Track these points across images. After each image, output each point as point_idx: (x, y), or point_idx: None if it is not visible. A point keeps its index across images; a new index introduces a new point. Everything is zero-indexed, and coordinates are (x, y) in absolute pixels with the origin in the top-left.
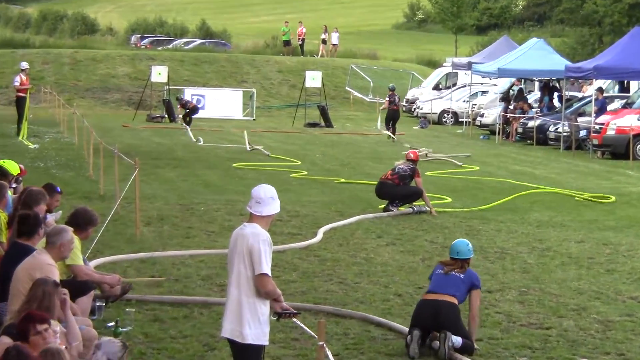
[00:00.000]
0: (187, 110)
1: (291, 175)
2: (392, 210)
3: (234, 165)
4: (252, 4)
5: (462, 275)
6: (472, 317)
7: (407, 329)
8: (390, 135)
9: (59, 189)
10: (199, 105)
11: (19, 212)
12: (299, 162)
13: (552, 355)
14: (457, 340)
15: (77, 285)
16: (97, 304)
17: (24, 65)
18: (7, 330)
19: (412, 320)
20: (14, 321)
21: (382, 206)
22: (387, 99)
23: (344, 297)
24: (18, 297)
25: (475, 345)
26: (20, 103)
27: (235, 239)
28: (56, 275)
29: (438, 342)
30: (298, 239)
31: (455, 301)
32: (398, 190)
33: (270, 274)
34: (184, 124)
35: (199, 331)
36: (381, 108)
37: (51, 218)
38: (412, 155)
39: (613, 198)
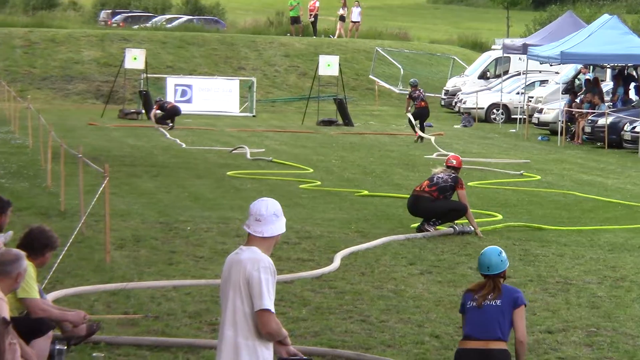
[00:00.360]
0: (164, 113)
1: (300, 186)
2: (428, 231)
3: (228, 173)
4: None
5: (499, 302)
6: (518, 342)
7: None
8: (421, 137)
9: (9, 202)
10: (184, 99)
11: None
12: (311, 170)
13: None
14: None
15: (32, 324)
16: (57, 347)
17: None
18: None
19: None
20: None
21: (416, 225)
22: (407, 96)
23: (367, 339)
24: None
25: None
26: None
27: (230, 266)
28: (5, 312)
29: None
30: (310, 266)
31: (504, 345)
32: (437, 205)
33: (273, 310)
34: (157, 126)
35: None
36: (406, 112)
37: (0, 240)
38: (454, 162)
39: None
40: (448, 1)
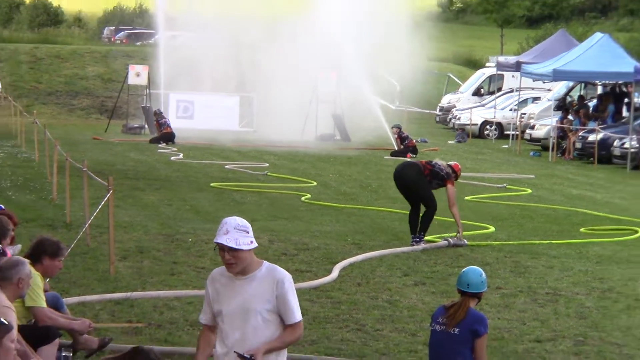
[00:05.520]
0: (157, 136)
1: (302, 199)
2: (414, 245)
3: (211, 184)
4: None
5: (457, 331)
6: None
7: None
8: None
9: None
10: (187, 115)
11: None
12: (314, 183)
13: None
14: None
15: (39, 332)
16: (63, 354)
17: None
18: None
19: None
20: None
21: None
22: (396, 136)
23: (363, 348)
24: None
25: None
26: None
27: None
28: (13, 319)
29: None
30: (307, 277)
31: None
32: (420, 182)
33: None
34: (157, 142)
35: None
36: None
37: (9, 252)
38: (452, 164)
39: None
40: (444, 19)
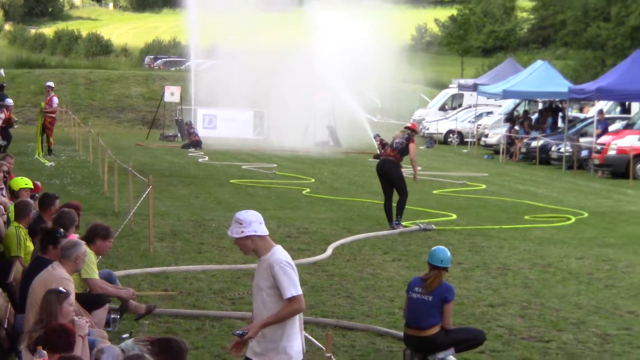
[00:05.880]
0: (187, 142)
1: (303, 192)
2: (395, 228)
3: (231, 181)
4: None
5: (430, 298)
6: (443, 328)
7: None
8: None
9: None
10: (210, 126)
11: (43, 227)
12: (313, 180)
13: None
14: (446, 354)
15: (92, 299)
16: (112, 316)
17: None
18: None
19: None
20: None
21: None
22: (377, 143)
23: (351, 311)
24: (34, 309)
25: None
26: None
27: None
28: (72, 288)
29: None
30: (306, 254)
31: (438, 328)
32: (396, 173)
33: None
34: (187, 147)
35: (211, 343)
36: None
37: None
38: (409, 125)
39: (572, 219)
40: (416, 50)
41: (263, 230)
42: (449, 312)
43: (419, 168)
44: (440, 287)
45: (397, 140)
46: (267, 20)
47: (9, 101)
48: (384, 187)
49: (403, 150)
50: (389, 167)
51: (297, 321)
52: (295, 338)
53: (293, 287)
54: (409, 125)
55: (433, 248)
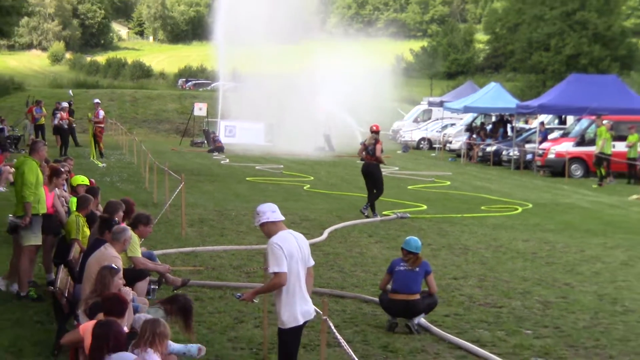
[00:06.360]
0: (214, 147)
1: (304, 188)
2: (375, 217)
3: (247, 178)
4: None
5: (418, 270)
6: (432, 293)
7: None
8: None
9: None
10: (231, 134)
11: (101, 216)
12: (312, 178)
13: (504, 328)
14: (419, 319)
15: (136, 273)
16: (152, 287)
17: (97, 100)
18: (97, 308)
19: (386, 311)
20: (97, 300)
21: (388, 212)
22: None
23: (343, 283)
24: (90, 281)
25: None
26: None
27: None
28: (120, 265)
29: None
30: (307, 237)
31: (418, 296)
32: (377, 173)
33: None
34: (212, 152)
35: (231, 308)
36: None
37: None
38: (374, 128)
39: (519, 209)
40: (394, 74)
41: (275, 217)
42: (432, 280)
43: (396, 168)
44: (423, 263)
45: (370, 148)
46: (278, 51)
47: (63, 104)
48: (367, 184)
49: (374, 151)
50: (372, 169)
51: (288, 295)
52: (287, 309)
53: (276, 265)
54: (373, 127)
55: (408, 237)
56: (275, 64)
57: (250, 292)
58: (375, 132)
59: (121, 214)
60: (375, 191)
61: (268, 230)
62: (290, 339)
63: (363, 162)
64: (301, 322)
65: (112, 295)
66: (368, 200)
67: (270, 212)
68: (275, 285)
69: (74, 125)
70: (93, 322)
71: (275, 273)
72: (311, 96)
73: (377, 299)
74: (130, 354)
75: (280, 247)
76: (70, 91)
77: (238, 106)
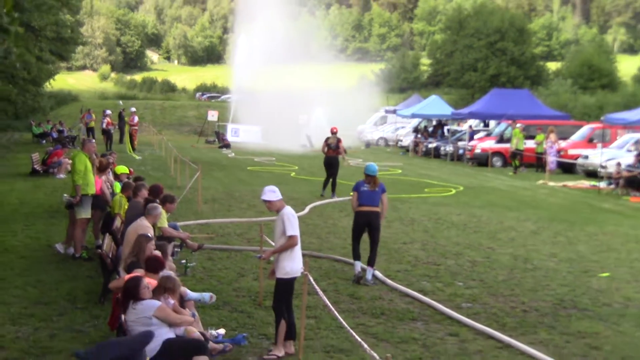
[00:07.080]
0: (222, 144)
1: (291, 174)
2: (324, 196)
3: (248, 168)
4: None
5: (377, 189)
6: (385, 207)
7: (356, 263)
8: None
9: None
10: (236, 135)
11: (147, 198)
12: (296, 167)
13: (441, 281)
14: (368, 275)
15: (164, 239)
16: (175, 249)
17: (133, 109)
18: (133, 265)
19: (353, 226)
20: (134, 260)
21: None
22: (325, 144)
23: (320, 246)
24: (128, 246)
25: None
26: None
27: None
28: (151, 232)
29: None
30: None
31: (379, 209)
32: (336, 167)
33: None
34: (221, 148)
35: (235, 265)
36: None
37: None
38: (334, 130)
39: (454, 191)
40: (359, 89)
41: (277, 196)
42: (386, 197)
43: (360, 160)
44: (380, 184)
45: (332, 144)
46: (275, 70)
47: (108, 112)
48: (327, 172)
49: (337, 148)
50: (333, 161)
51: (293, 252)
52: (292, 263)
53: (292, 229)
54: (333, 129)
55: (367, 163)
56: (272, 80)
57: (269, 251)
58: (334, 133)
59: (145, 192)
60: (331, 179)
61: (280, 204)
62: (288, 287)
63: (325, 155)
64: (298, 274)
65: (152, 256)
66: (324, 186)
67: (272, 192)
68: (291, 245)
69: (117, 128)
70: (131, 275)
71: (291, 236)
72: (298, 106)
73: (346, 259)
74: (156, 300)
75: (295, 216)
76: (121, 102)
77: (242, 113)
